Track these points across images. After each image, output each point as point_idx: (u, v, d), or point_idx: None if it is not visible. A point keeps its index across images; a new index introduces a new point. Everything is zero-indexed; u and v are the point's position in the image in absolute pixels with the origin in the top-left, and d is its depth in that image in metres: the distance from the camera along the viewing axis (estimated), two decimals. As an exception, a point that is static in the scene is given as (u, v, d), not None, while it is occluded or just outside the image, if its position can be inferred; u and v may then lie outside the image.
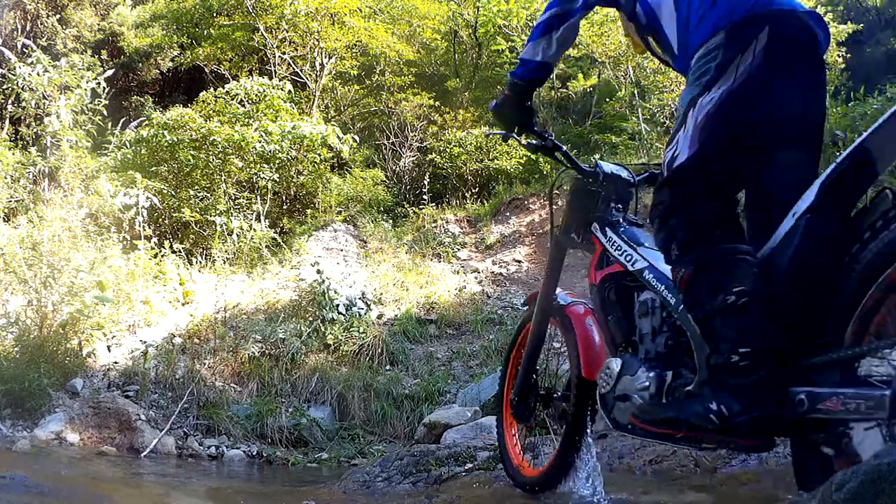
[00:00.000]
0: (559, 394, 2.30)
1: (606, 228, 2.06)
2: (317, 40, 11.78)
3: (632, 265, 1.91)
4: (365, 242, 9.26)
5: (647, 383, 1.72)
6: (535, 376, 2.39)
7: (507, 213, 9.88)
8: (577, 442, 2.14)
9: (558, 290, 2.35)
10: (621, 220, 2.08)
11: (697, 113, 1.58)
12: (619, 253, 1.97)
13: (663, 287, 1.78)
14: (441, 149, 10.98)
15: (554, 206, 2.42)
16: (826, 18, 10.75)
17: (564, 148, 2.16)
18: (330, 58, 12.07)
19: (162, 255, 7.49)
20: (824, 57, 1.66)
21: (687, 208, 1.60)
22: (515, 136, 2.15)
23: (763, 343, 1.47)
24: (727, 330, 1.49)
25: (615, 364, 1.87)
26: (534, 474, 2.34)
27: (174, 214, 8.62)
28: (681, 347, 1.73)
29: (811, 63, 1.62)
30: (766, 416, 1.44)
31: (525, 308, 2.62)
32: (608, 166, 2.15)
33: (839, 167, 1.44)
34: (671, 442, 1.71)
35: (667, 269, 1.72)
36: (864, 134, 1.41)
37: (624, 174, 2.15)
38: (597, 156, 10.74)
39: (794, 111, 1.59)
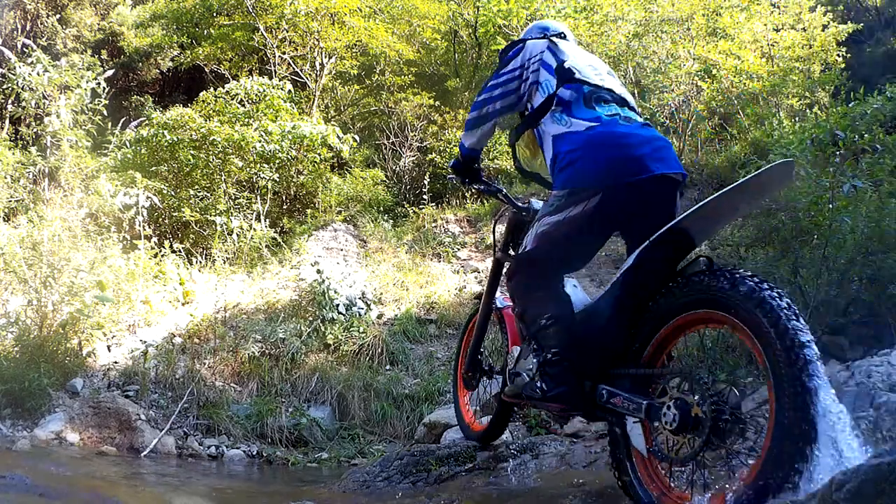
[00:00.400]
0: (497, 369, 3.06)
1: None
2: (317, 40, 11.77)
3: None
4: (365, 242, 9.26)
5: (530, 366, 2.35)
6: (480, 356, 3.15)
7: (508, 213, 9.87)
8: (508, 408, 2.96)
9: (497, 294, 3.03)
10: None
11: (539, 227, 2.32)
12: None
13: None
14: (441, 149, 10.98)
15: (496, 233, 3.14)
16: (826, 18, 10.73)
17: (504, 191, 2.96)
18: (330, 58, 12.06)
19: (162, 255, 7.49)
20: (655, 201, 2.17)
21: (522, 274, 2.39)
22: (468, 183, 2.87)
23: (566, 346, 2.20)
24: (545, 340, 2.25)
25: (516, 350, 2.58)
26: (479, 430, 3.16)
27: (174, 214, 8.62)
28: None
29: (644, 212, 2.14)
30: (567, 392, 2.17)
31: (475, 301, 3.29)
32: (537, 203, 2.77)
33: (651, 242, 1.98)
34: (529, 406, 2.80)
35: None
36: (680, 216, 1.93)
37: None
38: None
39: (601, 240, 2.34)
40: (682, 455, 1.84)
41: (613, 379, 2.10)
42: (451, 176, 2.93)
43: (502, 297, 3.00)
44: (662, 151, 2.15)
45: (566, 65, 2.34)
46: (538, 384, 2.25)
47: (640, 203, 2.12)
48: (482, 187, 2.89)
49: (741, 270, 1.79)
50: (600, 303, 2.22)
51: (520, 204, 2.82)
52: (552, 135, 2.30)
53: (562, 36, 2.59)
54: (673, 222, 1.94)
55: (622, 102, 2.32)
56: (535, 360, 2.31)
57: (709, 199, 1.88)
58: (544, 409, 2.59)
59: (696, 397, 1.80)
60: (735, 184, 1.84)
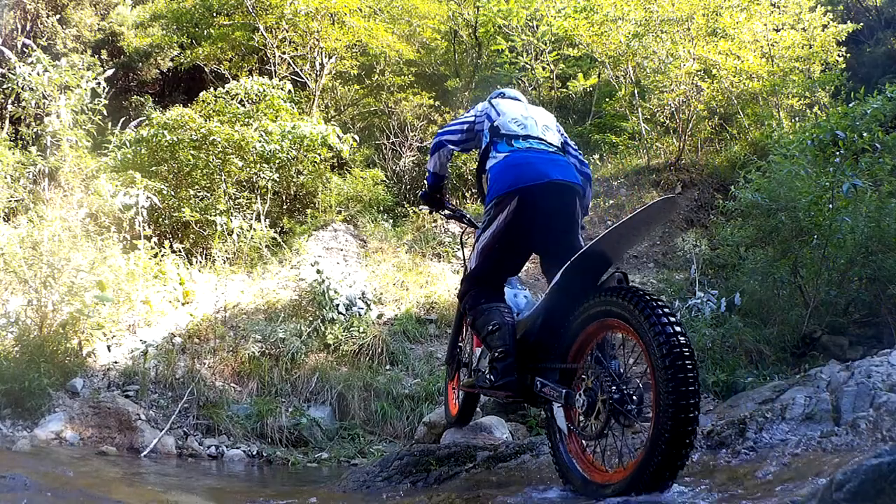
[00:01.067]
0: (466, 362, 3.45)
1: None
2: (317, 40, 11.77)
3: None
4: (365, 242, 9.26)
5: (486, 364, 2.80)
6: (458, 350, 3.55)
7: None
8: (474, 397, 3.43)
9: None
10: None
11: (479, 243, 2.82)
12: None
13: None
14: (441, 149, 10.95)
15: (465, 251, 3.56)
16: (826, 18, 10.72)
17: (468, 216, 3.55)
18: (330, 58, 12.06)
19: (162, 255, 7.49)
20: (569, 200, 2.74)
21: (471, 290, 2.89)
22: (437, 210, 3.44)
23: (511, 346, 2.61)
24: (492, 341, 2.68)
25: (478, 351, 3.07)
26: (453, 413, 3.62)
27: (174, 214, 8.61)
28: None
29: (552, 215, 2.70)
30: (510, 382, 2.57)
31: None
32: None
33: (574, 261, 2.35)
34: (482, 394, 3.14)
35: (514, 300, 3.04)
36: (594, 239, 2.30)
37: None
38: (596, 155, 10.75)
39: (533, 240, 2.77)
40: (592, 432, 2.27)
41: (545, 372, 2.51)
42: (421, 206, 3.30)
43: None
44: (561, 164, 2.75)
45: (496, 124, 2.92)
46: (488, 376, 2.69)
47: (548, 204, 2.65)
48: (447, 213, 3.48)
49: (637, 288, 2.19)
50: (536, 310, 2.63)
51: (480, 226, 3.19)
52: (487, 167, 2.86)
53: (502, 95, 3.23)
54: (586, 247, 2.35)
55: (539, 139, 2.84)
56: (486, 360, 2.80)
57: (606, 231, 2.28)
58: (494, 397, 3.15)
59: (602, 388, 2.22)
60: (625, 219, 2.24)
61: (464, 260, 3.35)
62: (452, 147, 3.12)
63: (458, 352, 3.58)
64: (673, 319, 2.02)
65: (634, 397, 2.16)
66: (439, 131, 3.19)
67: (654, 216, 2.40)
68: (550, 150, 2.82)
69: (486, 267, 2.84)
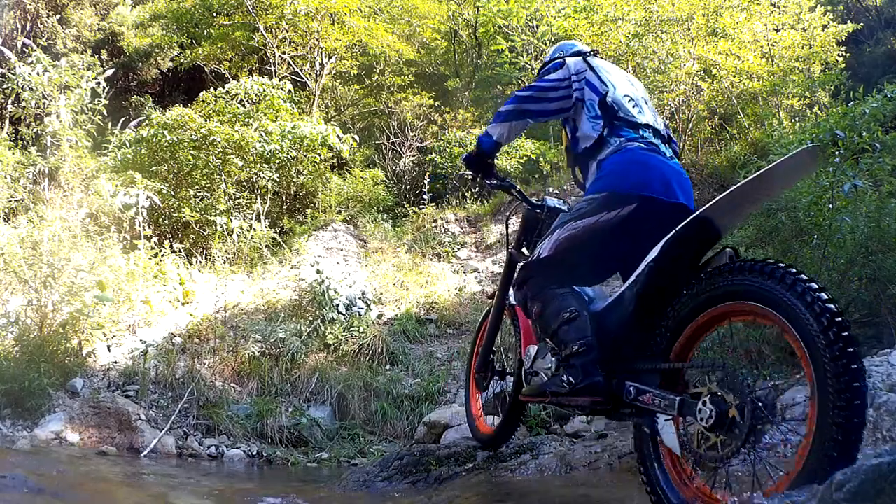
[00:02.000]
0: (509, 371, 3.05)
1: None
2: (317, 40, 11.77)
3: None
4: (365, 242, 9.26)
5: (549, 365, 2.38)
6: (492, 356, 3.11)
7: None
8: (520, 409, 2.90)
9: (510, 291, 2.91)
10: None
11: (562, 232, 2.38)
12: None
13: None
14: (441, 149, 10.97)
15: (509, 229, 3.14)
16: (826, 18, 10.73)
17: (518, 187, 2.88)
18: (330, 58, 12.06)
19: (162, 255, 7.48)
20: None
21: (537, 276, 2.45)
22: (482, 178, 2.82)
23: (593, 337, 2.20)
24: (569, 333, 2.25)
25: (532, 350, 2.56)
26: (487, 431, 3.09)
27: (174, 214, 8.61)
28: None
29: (655, 236, 2.17)
30: (596, 383, 2.13)
31: (490, 301, 3.25)
32: (552, 201, 2.82)
33: (678, 232, 1.98)
34: (551, 404, 2.53)
35: (580, 289, 2.47)
36: (705, 206, 1.92)
37: (563, 207, 2.77)
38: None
39: (626, 257, 2.30)
40: (715, 454, 1.74)
41: (638, 375, 2.04)
42: (462, 171, 2.97)
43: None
44: (686, 185, 2.35)
45: (608, 100, 2.42)
46: (563, 378, 2.22)
47: (661, 225, 2.13)
48: (495, 182, 2.84)
49: (773, 260, 1.75)
50: (624, 295, 2.16)
51: (534, 201, 2.81)
52: (602, 155, 2.39)
53: (594, 53, 2.68)
54: (699, 211, 1.93)
55: (656, 133, 2.44)
56: (553, 359, 2.34)
57: (734, 187, 1.86)
58: (568, 406, 2.44)
59: (734, 394, 1.73)
60: (762, 170, 1.81)
61: (507, 239, 3.03)
62: (534, 121, 2.60)
63: (492, 358, 3.10)
64: (837, 308, 1.60)
65: (775, 407, 1.72)
66: (519, 94, 2.55)
67: (793, 171, 1.91)
68: (668, 153, 2.42)
69: (563, 258, 2.37)
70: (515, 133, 2.62)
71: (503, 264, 3.05)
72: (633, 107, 2.44)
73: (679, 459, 1.92)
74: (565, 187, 9.93)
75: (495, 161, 2.81)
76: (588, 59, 2.55)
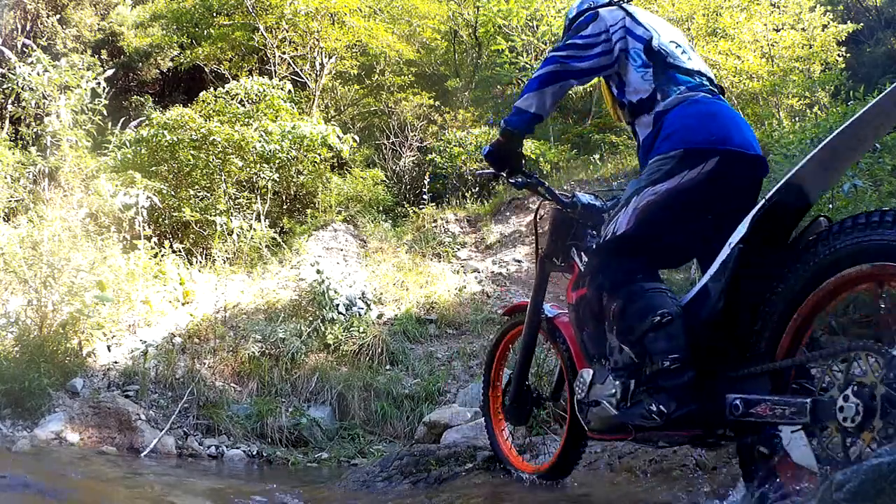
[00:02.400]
0: (546, 396, 2.63)
1: (581, 254, 2.33)
2: (317, 40, 11.77)
3: None
4: (365, 242, 9.26)
5: (613, 390, 1.97)
6: (528, 382, 2.61)
7: (507, 213, 9.88)
8: (578, 439, 2.41)
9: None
10: (595, 246, 2.27)
11: (640, 200, 1.99)
12: None
13: None
14: (441, 148, 10.98)
15: (539, 232, 2.76)
16: (826, 18, 10.74)
17: (546, 184, 2.48)
18: (330, 58, 12.06)
19: (162, 255, 7.49)
20: (758, 187, 2.04)
21: (614, 265, 2.02)
22: (505, 176, 2.41)
23: (689, 350, 1.79)
24: (657, 343, 1.83)
25: (587, 374, 2.13)
26: (538, 470, 2.57)
27: (174, 214, 8.62)
28: (643, 360, 1.94)
29: (743, 193, 1.98)
30: (699, 410, 1.74)
31: (506, 318, 2.88)
32: (584, 197, 2.44)
33: (767, 203, 1.69)
34: (634, 441, 2.09)
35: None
36: (789, 173, 1.65)
37: (598, 203, 2.43)
38: (596, 155, 10.76)
39: (708, 222, 1.98)
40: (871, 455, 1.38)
41: (742, 383, 1.68)
42: (481, 171, 2.44)
43: (550, 306, 2.61)
44: (751, 132, 2.05)
45: (654, 46, 2.13)
46: (651, 407, 1.79)
47: (745, 186, 1.93)
48: (521, 180, 2.44)
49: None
50: (708, 289, 1.80)
51: (565, 200, 2.45)
52: (660, 106, 2.08)
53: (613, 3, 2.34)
54: (791, 173, 1.64)
55: (708, 78, 2.18)
56: (617, 383, 1.95)
57: (828, 140, 1.58)
58: (659, 441, 1.99)
59: (876, 374, 1.41)
60: (855, 116, 1.53)
61: (536, 243, 2.65)
62: (577, 81, 2.22)
63: (528, 386, 2.61)
64: None
65: None
66: (554, 55, 2.19)
67: (890, 113, 1.55)
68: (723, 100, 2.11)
69: (644, 233, 1.98)
70: (554, 101, 2.21)
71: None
72: (682, 53, 2.16)
73: (817, 476, 1.53)
74: (565, 187, 9.93)
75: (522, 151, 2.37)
76: (624, 5, 2.26)
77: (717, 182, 1.91)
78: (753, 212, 1.70)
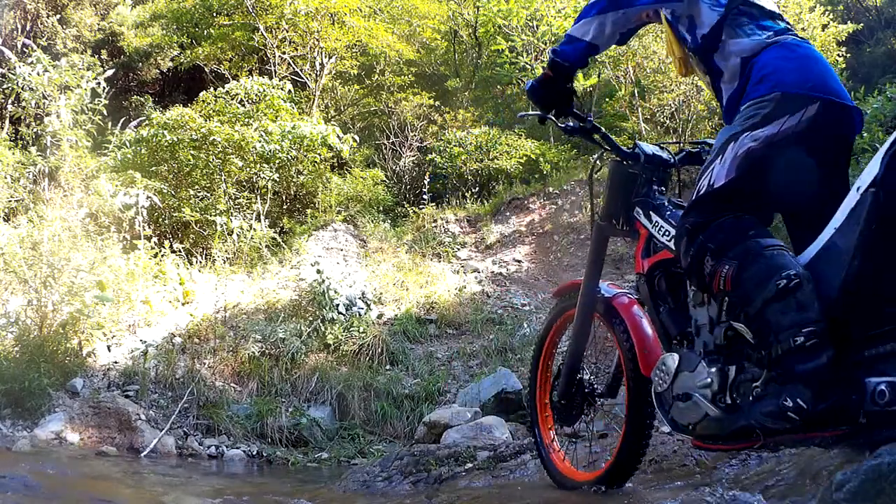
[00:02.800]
0: (600, 391, 2.24)
1: (652, 213, 1.99)
2: (317, 40, 11.77)
3: None
4: (365, 242, 9.26)
5: (708, 379, 1.64)
6: (579, 376, 2.25)
7: (507, 213, 9.88)
8: (637, 442, 2.05)
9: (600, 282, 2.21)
10: (666, 202, 2.00)
11: (738, 147, 1.71)
12: (668, 238, 1.89)
13: None
14: (441, 148, 10.98)
15: (595, 193, 2.36)
16: (826, 18, 10.75)
17: (603, 130, 2.11)
18: (330, 58, 12.06)
19: (162, 255, 7.49)
20: (853, 140, 1.84)
21: (717, 223, 1.68)
22: (553, 118, 2.09)
23: (825, 321, 1.43)
24: (785, 315, 1.46)
25: (671, 360, 1.78)
26: (589, 478, 2.20)
27: (174, 214, 8.62)
28: (743, 339, 1.63)
29: (840, 145, 1.79)
30: (844, 400, 1.37)
31: (557, 300, 2.45)
32: (648, 147, 2.09)
33: None
34: (759, 450, 1.62)
35: None
36: None
37: (664, 155, 2.11)
38: (596, 156, 10.75)
39: (812, 176, 1.74)
40: None
41: (884, 363, 1.38)
42: (524, 114, 2.20)
43: (607, 284, 2.25)
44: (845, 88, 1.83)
45: None
46: (785, 401, 1.42)
47: (840, 131, 1.74)
48: (573, 124, 2.12)
49: None
50: (836, 247, 1.48)
51: (625, 150, 2.10)
52: (743, 56, 1.84)
53: None
54: None
55: (790, 26, 1.94)
56: (712, 370, 1.65)
57: None
58: (791, 446, 1.68)
59: None
60: None
61: (591, 209, 2.29)
62: (643, 7, 1.92)
63: (580, 380, 2.25)
64: None
65: None
66: None
67: None
68: None
69: (747, 184, 1.70)
70: (614, 31, 1.92)
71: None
72: None
73: None
74: (565, 187, 9.93)
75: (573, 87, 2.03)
76: None
77: (817, 131, 1.69)
78: (885, 147, 1.42)
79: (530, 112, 2.13)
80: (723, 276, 1.59)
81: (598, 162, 2.39)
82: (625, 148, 2.10)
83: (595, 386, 2.27)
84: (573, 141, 11.67)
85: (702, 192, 1.76)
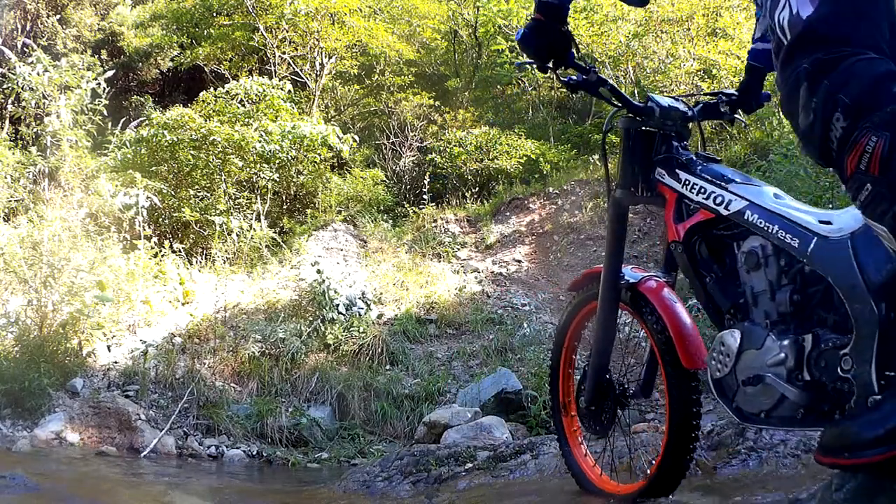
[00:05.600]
0: (632, 391, 1.98)
1: (679, 171, 1.76)
2: (317, 40, 11.77)
3: (726, 208, 1.59)
4: (365, 242, 9.26)
5: (781, 355, 1.40)
6: (608, 376, 1.98)
7: (507, 213, 9.88)
8: (683, 445, 1.78)
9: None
10: (694, 157, 1.78)
11: None
12: (706, 196, 1.65)
13: (777, 227, 1.45)
14: (441, 148, 10.98)
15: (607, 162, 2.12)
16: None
17: (610, 83, 1.83)
18: (330, 58, 12.06)
19: (162, 255, 7.49)
20: None
21: (842, 62, 1.15)
22: (552, 69, 1.80)
23: None
24: None
25: (732, 338, 1.52)
26: (631, 490, 1.95)
27: (174, 214, 8.62)
28: (813, 300, 1.40)
29: None
30: None
31: (575, 295, 2.17)
32: (663, 100, 1.86)
33: None
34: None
35: (776, 204, 1.49)
36: None
37: (681, 106, 1.88)
38: (596, 155, 10.75)
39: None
40: None
41: None
42: (521, 62, 1.95)
43: (630, 269, 1.96)
44: None
45: None
46: None
47: None
48: (577, 78, 1.82)
49: None
50: None
51: (638, 104, 1.85)
52: None
53: None
54: None
55: None
56: (784, 343, 1.39)
57: None
58: None
59: None
60: None
61: (607, 180, 2.05)
62: None
63: (608, 380, 1.97)
64: None
65: None
66: None
67: None
68: None
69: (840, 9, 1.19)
70: None
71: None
72: None
73: None
74: (565, 187, 9.93)
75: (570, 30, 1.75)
76: None
77: None
78: None
79: (526, 62, 1.86)
80: (868, 150, 1.09)
81: (607, 123, 2.08)
82: (637, 102, 1.85)
83: (627, 386, 1.99)
84: (573, 141, 11.67)
85: (788, 27, 1.24)
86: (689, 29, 9.96)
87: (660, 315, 1.79)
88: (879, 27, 1.20)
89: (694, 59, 9.79)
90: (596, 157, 10.54)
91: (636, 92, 10.82)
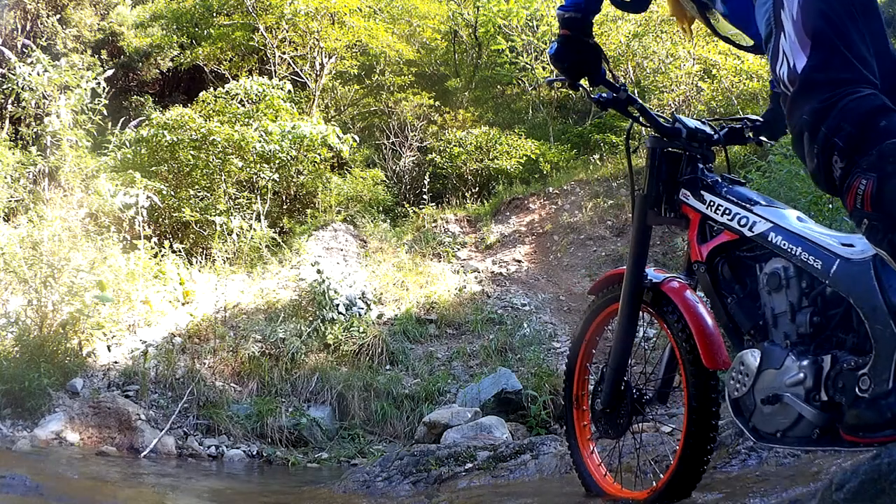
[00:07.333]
0: (649, 396, 1.94)
1: (704, 192, 1.78)
2: (317, 40, 11.77)
3: (750, 229, 1.61)
4: (365, 242, 9.26)
5: (800, 375, 1.42)
6: (626, 379, 1.96)
7: (507, 213, 9.88)
8: (701, 448, 1.75)
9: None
10: (720, 179, 1.80)
11: (790, 6, 1.37)
12: (730, 217, 1.67)
13: (801, 249, 1.48)
14: (441, 148, 10.99)
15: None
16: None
17: (640, 101, 1.84)
18: (330, 57, 12.06)
19: (162, 255, 7.49)
20: None
21: (833, 108, 1.28)
22: (584, 88, 1.84)
23: None
24: None
25: (752, 357, 1.54)
26: (643, 496, 1.89)
27: (174, 214, 8.62)
28: (832, 322, 1.44)
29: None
30: None
31: (593, 297, 2.17)
32: (690, 122, 1.88)
33: None
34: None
35: (799, 226, 1.51)
36: None
37: (708, 129, 1.90)
38: (596, 155, 10.75)
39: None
40: None
41: None
42: (551, 79, 1.97)
43: (653, 269, 1.96)
44: None
45: None
46: None
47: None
48: (606, 95, 1.85)
49: None
50: None
51: (666, 125, 1.87)
52: None
53: None
54: None
55: None
56: (804, 363, 1.43)
57: None
58: None
59: None
60: None
61: (631, 186, 2.01)
62: None
63: (626, 384, 1.94)
64: None
65: None
66: None
67: None
68: None
69: (831, 37, 1.32)
70: None
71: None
72: None
73: None
74: (565, 187, 9.93)
75: (595, 40, 1.77)
76: None
77: None
78: None
79: (557, 78, 1.87)
80: (859, 192, 1.24)
81: (628, 134, 2.20)
82: (665, 122, 1.87)
83: (644, 390, 1.96)
84: (573, 141, 11.68)
85: (788, 81, 1.39)
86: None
87: (682, 314, 1.78)
88: (867, 61, 1.33)
89: (694, 60, 9.79)
90: (596, 157, 10.56)
91: (636, 92, 10.83)
